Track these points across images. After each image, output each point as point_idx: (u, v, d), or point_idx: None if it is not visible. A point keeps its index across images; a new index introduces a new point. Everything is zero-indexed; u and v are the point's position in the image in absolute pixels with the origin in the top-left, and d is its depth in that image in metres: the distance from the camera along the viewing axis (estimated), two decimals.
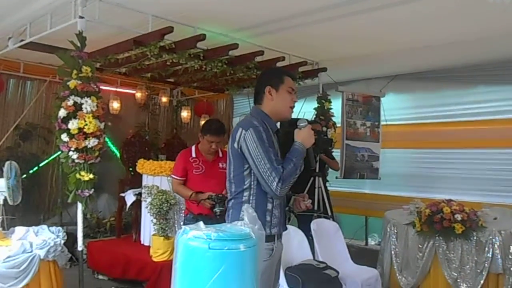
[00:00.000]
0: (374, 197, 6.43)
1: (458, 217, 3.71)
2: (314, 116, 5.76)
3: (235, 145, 2.16)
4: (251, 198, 2.16)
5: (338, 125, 5.80)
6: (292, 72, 2.41)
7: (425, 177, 6.01)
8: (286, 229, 2.31)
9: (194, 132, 7.94)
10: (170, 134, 7.64)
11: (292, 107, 2.30)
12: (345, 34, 4.43)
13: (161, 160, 5.52)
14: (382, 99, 6.20)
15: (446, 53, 4.98)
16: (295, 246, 3.57)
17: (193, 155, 3.58)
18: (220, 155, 3.66)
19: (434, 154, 6.03)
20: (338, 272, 3.25)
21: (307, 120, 2.27)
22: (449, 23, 4.08)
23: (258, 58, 4.71)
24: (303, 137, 2.20)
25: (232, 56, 4.58)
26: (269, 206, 2.17)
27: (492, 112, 5.45)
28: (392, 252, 4.24)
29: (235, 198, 2.21)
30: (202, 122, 7.24)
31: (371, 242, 6.72)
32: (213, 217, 3.34)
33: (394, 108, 6.30)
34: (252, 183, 2.16)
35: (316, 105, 5.84)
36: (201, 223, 1.65)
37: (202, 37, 4.00)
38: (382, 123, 6.20)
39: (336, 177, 5.65)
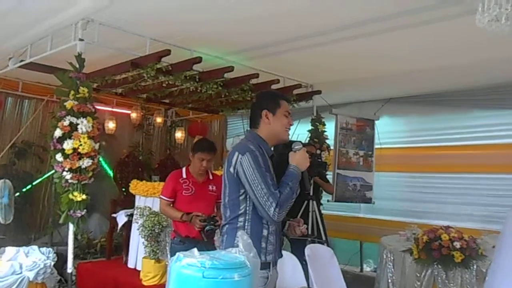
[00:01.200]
0: (369, 222, 6.34)
1: (457, 244, 3.61)
2: (308, 138, 5.80)
3: (231, 169, 2.13)
4: (246, 224, 2.12)
5: (331, 148, 5.80)
6: (287, 96, 2.42)
7: (421, 202, 5.93)
8: (281, 256, 2.28)
9: (187, 152, 7.89)
10: (163, 154, 7.63)
11: (287, 129, 2.30)
12: (339, 57, 4.51)
13: (154, 181, 5.49)
14: (376, 122, 6.24)
15: (440, 77, 5.04)
16: (288, 272, 3.50)
17: (184, 175, 3.54)
18: (211, 177, 3.63)
19: (430, 178, 5.97)
20: None
21: (301, 142, 2.27)
22: (443, 48, 4.15)
23: (253, 81, 4.76)
24: (298, 160, 2.17)
25: (227, 79, 4.62)
26: (265, 232, 2.13)
27: (487, 136, 5.44)
28: (389, 280, 4.12)
29: (229, 224, 2.16)
30: None
31: (367, 269, 6.58)
32: (200, 240, 3.31)
33: (388, 131, 6.29)
34: (247, 208, 2.12)
35: (310, 127, 5.88)
36: (195, 250, 1.64)
37: (198, 60, 4.05)
38: (376, 146, 6.22)
39: (328, 200, 5.64)
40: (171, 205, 3.49)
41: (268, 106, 2.25)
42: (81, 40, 3.58)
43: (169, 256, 4.03)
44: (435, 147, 5.90)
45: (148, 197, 4.68)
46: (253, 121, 2.31)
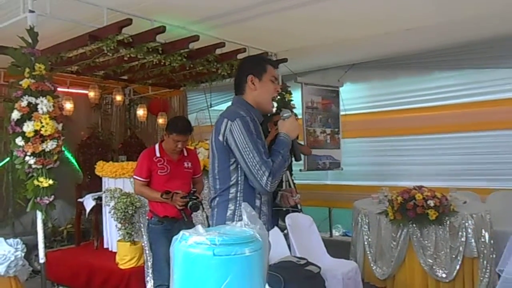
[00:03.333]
0: (337, 188, 6.46)
1: (431, 203, 3.70)
2: (275, 108, 5.72)
3: (220, 137, 1.99)
4: (238, 195, 2.01)
5: (299, 116, 5.75)
6: (274, 60, 2.27)
7: (387, 165, 6.05)
8: (273, 226, 2.21)
9: (149, 131, 7.70)
10: (124, 134, 7.35)
11: (274, 98, 2.19)
12: (302, 23, 4.39)
13: (122, 161, 5.26)
14: (340, 88, 6.28)
15: (401, 40, 5.04)
16: (272, 243, 3.48)
17: (157, 154, 3.38)
18: (185, 154, 3.50)
19: (395, 141, 6.08)
20: (320, 268, 3.20)
21: (291, 110, 2.18)
22: (403, 10, 4.12)
23: (218, 51, 4.58)
24: (288, 128, 2.06)
25: (192, 49, 4.42)
26: (257, 202, 2.03)
27: (448, 97, 5.54)
28: (365, 243, 4.21)
29: (220, 196, 2.04)
30: (160, 120, 7.08)
31: (336, 234, 6.75)
32: (179, 219, 3.25)
33: (352, 98, 6.33)
34: (239, 178, 2.00)
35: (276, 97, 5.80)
36: (199, 227, 1.51)
37: (162, 29, 3.83)
38: (341, 113, 6.28)
39: (300, 170, 5.64)
40: (147, 185, 3.33)
41: (254, 71, 2.12)
42: (31, 11, 3.25)
43: (145, 237, 3.90)
44: (398, 111, 5.99)
45: (118, 178, 4.46)
46: (238, 87, 2.16)
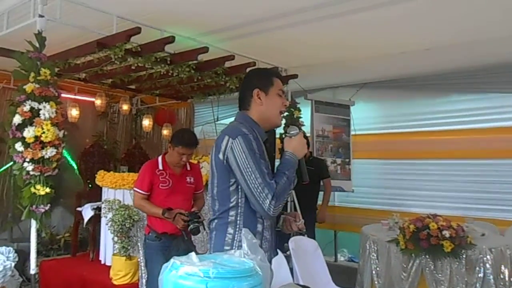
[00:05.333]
0: (344, 210, 6.22)
1: (446, 233, 3.45)
2: (284, 125, 5.62)
3: (220, 155, 1.86)
4: (238, 218, 1.87)
5: (308, 134, 5.60)
6: (280, 73, 2.16)
7: (398, 189, 5.77)
8: (277, 253, 2.06)
9: (154, 141, 7.62)
10: (129, 143, 7.27)
11: (282, 112, 2.05)
12: (314, 39, 4.31)
13: (123, 171, 5.17)
14: (351, 107, 6.13)
15: (417, 61, 4.91)
16: (273, 267, 3.31)
17: (160, 167, 3.26)
18: (188, 168, 3.39)
19: (407, 165, 5.81)
20: None
21: (299, 127, 2.06)
22: (421, 29, 4.00)
23: (227, 64, 4.51)
24: (295, 146, 1.92)
25: (201, 61, 4.35)
26: (259, 227, 1.89)
27: (467, 121, 5.28)
28: (373, 272, 3.97)
29: (219, 218, 1.90)
30: (164, 132, 7.00)
31: (341, 258, 6.48)
32: (178, 236, 3.13)
33: (364, 117, 6.13)
34: (239, 200, 1.86)
35: (284, 113, 5.70)
36: (192, 254, 1.37)
37: (171, 39, 3.76)
38: (351, 133, 6.12)
39: None
40: (147, 198, 3.22)
41: (260, 85, 1.99)
42: (41, 16, 3.21)
43: (141, 252, 3.77)
44: (412, 133, 5.75)
45: (117, 189, 4.36)
46: (243, 102, 2.03)
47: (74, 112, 5.89)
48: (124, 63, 4.23)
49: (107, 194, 4.49)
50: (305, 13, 3.65)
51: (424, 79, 5.49)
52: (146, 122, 6.89)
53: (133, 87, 5.81)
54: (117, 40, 3.64)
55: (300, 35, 4.17)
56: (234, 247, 1.81)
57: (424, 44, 4.38)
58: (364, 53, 4.76)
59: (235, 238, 1.85)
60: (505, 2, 3.39)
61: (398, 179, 5.83)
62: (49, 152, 3.03)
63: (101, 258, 4.56)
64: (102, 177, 4.57)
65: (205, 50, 4.09)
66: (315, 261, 3.73)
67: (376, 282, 3.94)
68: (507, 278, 3.55)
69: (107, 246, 4.51)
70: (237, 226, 1.86)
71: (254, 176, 1.79)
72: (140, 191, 3.22)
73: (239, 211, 1.87)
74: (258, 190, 1.78)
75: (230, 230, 1.86)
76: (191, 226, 2.98)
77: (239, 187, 1.86)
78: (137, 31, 3.52)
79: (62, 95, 3.33)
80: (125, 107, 6.52)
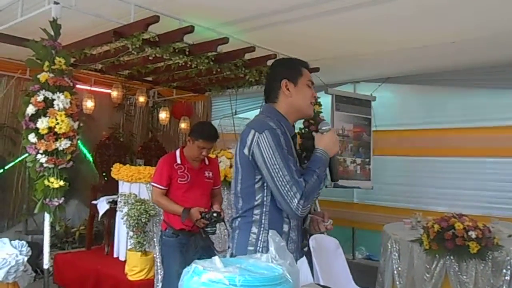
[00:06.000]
0: (363, 208, 6.14)
1: (472, 234, 3.35)
2: (303, 120, 5.46)
3: (245, 151, 1.77)
4: (263, 217, 1.77)
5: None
6: (307, 63, 2.04)
7: (419, 187, 5.65)
8: (303, 255, 1.94)
9: (171, 135, 7.53)
10: (145, 136, 7.19)
11: (312, 104, 1.94)
12: (335, 32, 4.15)
13: (139, 165, 5.07)
14: (372, 103, 5.99)
15: (441, 55, 4.69)
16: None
17: (178, 161, 3.16)
18: (207, 162, 3.27)
19: (429, 162, 5.68)
20: None
21: (329, 123, 1.92)
22: (445, 23, 3.82)
23: (247, 56, 4.36)
24: (326, 143, 1.83)
25: (221, 52, 4.20)
26: (286, 227, 1.80)
27: (493, 118, 5.12)
28: (395, 272, 3.88)
29: (242, 217, 1.82)
30: (182, 125, 6.90)
31: (359, 256, 6.36)
32: (196, 232, 3.01)
33: (386, 113, 6.00)
34: (265, 198, 1.77)
35: None
36: (216, 259, 1.24)
37: (190, 29, 3.63)
38: (372, 129, 5.98)
39: (326, 186, 5.35)
40: (166, 193, 3.10)
41: (288, 75, 1.89)
42: (56, 3, 3.11)
43: (157, 248, 3.67)
44: (436, 130, 5.63)
45: (133, 182, 4.25)
46: (269, 94, 1.93)
47: (89, 104, 5.81)
48: (141, 54, 4.13)
49: (123, 187, 4.39)
50: (326, 4, 3.50)
51: (447, 74, 5.29)
52: (163, 115, 6.78)
53: (150, 79, 5.70)
54: (134, 29, 3.52)
55: (320, 27, 4.02)
56: (258, 248, 1.75)
57: (449, 37, 4.18)
58: (386, 47, 4.58)
59: (260, 238, 1.77)
60: None
61: (419, 176, 5.71)
62: (63, 144, 2.94)
63: (116, 252, 4.47)
64: (118, 170, 4.47)
65: (225, 41, 3.95)
66: (336, 260, 3.59)
67: (397, 282, 3.85)
68: None
69: (122, 241, 4.42)
70: (262, 225, 1.77)
71: (282, 173, 1.69)
72: (159, 186, 3.10)
73: (264, 209, 1.78)
74: (286, 188, 1.69)
75: (254, 229, 1.78)
76: (208, 229, 2.92)
77: (265, 184, 1.76)
78: (155, 19, 3.40)
79: (78, 86, 3.24)
80: (141, 99, 6.41)
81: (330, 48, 4.72)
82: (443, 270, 3.51)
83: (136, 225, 3.75)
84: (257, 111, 6.70)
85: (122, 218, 3.87)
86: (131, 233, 3.85)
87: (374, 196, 5.97)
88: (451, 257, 3.47)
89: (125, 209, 3.85)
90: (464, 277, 3.42)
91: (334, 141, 1.85)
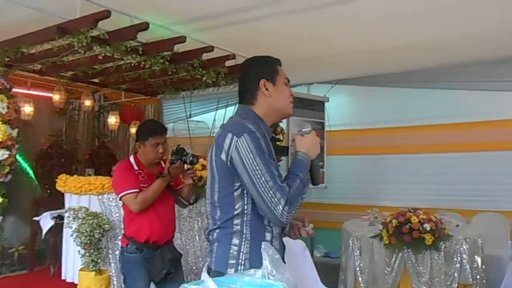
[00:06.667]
0: (319, 206, 6.15)
1: (427, 226, 3.53)
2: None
3: (223, 156, 1.65)
4: (244, 227, 1.66)
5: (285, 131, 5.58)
6: (280, 60, 1.90)
7: (372, 184, 5.86)
8: (285, 263, 1.78)
9: (119, 141, 7.09)
10: (91, 143, 6.72)
11: (292, 102, 1.85)
12: (292, 32, 4.06)
13: (89, 175, 4.64)
14: (326, 104, 6.09)
15: (391, 58, 4.85)
16: None
17: (135, 167, 2.88)
18: (163, 165, 3.01)
19: (380, 160, 5.92)
20: None
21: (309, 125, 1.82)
22: (393, 27, 3.92)
23: (204, 56, 4.13)
24: (308, 146, 1.76)
25: (177, 52, 3.94)
26: (268, 236, 1.69)
27: (435, 117, 5.45)
28: (357, 268, 3.97)
29: (221, 228, 1.70)
30: (133, 130, 6.48)
31: (317, 254, 6.40)
32: (161, 245, 2.77)
33: (339, 113, 6.15)
34: (245, 207, 1.66)
35: None
36: (208, 280, 1.05)
37: (144, 26, 3.34)
38: (326, 129, 6.10)
39: None
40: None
41: (266, 75, 1.79)
42: None
43: (113, 265, 3.34)
44: (385, 129, 5.84)
45: (82, 194, 3.86)
46: (245, 96, 1.81)
47: (27, 109, 5.27)
48: (88, 53, 3.74)
49: (71, 201, 3.98)
50: (283, 3, 3.43)
51: (396, 76, 5.56)
52: (113, 120, 6.32)
53: (96, 80, 5.28)
54: (82, 25, 3.17)
55: (278, 27, 3.91)
56: (240, 260, 1.65)
57: (400, 41, 4.29)
58: (340, 49, 4.61)
59: (242, 250, 1.66)
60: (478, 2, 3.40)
61: (372, 173, 5.93)
62: (1, 154, 2.55)
63: (64, 274, 4.04)
64: (64, 182, 4.04)
65: (182, 39, 3.69)
66: (303, 262, 3.66)
67: (360, 279, 3.95)
68: (480, 266, 3.76)
69: (70, 260, 4.01)
70: (244, 236, 1.67)
71: (264, 178, 1.59)
72: (133, 191, 2.74)
73: (245, 219, 1.67)
74: (270, 195, 1.59)
75: (235, 241, 1.67)
76: (189, 159, 2.80)
77: (245, 192, 1.66)
78: (106, 15, 3.08)
79: (14, 89, 2.85)
80: (88, 103, 5.91)
81: (285, 49, 4.58)
82: (402, 263, 3.66)
83: (89, 242, 3.38)
84: (212, 114, 6.43)
85: (72, 235, 3.48)
86: (82, 251, 3.46)
87: (330, 195, 6.07)
88: (409, 250, 3.63)
89: (75, 225, 3.46)
90: (421, 267, 3.62)
91: (315, 143, 1.78)
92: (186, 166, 2.90)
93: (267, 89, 1.77)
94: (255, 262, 1.58)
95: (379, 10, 3.54)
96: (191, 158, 2.81)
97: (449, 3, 3.42)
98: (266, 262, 1.21)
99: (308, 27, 3.92)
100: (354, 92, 6.12)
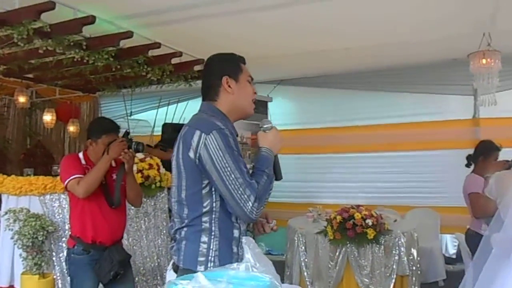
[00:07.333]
0: None
1: (369, 222, 3.70)
2: None
3: (191, 154, 1.64)
4: (213, 225, 1.67)
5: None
6: (244, 58, 1.94)
7: (313, 182, 6.06)
8: None
9: (53, 139, 6.74)
10: (22, 142, 6.33)
11: (253, 101, 1.87)
12: (236, 32, 4.16)
13: (28, 175, 4.39)
14: (269, 103, 6.20)
15: (332, 59, 5.07)
16: None
17: (83, 162, 2.77)
18: (113, 164, 2.93)
19: (320, 159, 6.13)
20: None
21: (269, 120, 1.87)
22: (335, 30, 4.11)
23: (150, 53, 4.09)
24: (271, 141, 1.78)
25: (123, 48, 3.86)
26: (236, 233, 1.71)
27: (370, 117, 5.73)
28: (302, 264, 4.08)
29: (189, 226, 1.69)
30: (71, 128, 6.20)
31: None
32: (109, 246, 2.71)
33: (281, 113, 6.27)
34: (214, 204, 1.67)
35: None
36: (199, 275, 1.09)
37: (90, 20, 3.24)
38: None
39: None
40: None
41: (229, 72, 1.81)
42: None
43: (57, 268, 3.23)
44: (325, 128, 6.05)
45: (22, 195, 3.65)
46: (208, 92, 1.82)
47: None
48: (27, 46, 3.55)
49: (8, 202, 3.74)
50: (229, 3, 3.53)
51: (338, 77, 5.81)
52: (48, 117, 5.97)
53: (31, 76, 5.00)
54: (23, 17, 3.01)
55: (223, 27, 4.02)
56: (210, 257, 1.65)
57: (344, 44, 4.53)
58: (282, 51, 4.77)
59: (211, 247, 1.66)
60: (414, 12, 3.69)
61: (313, 172, 6.15)
62: None
63: (3, 280, 3.79)
64: (2, 182, 3.80)
65: (129, 35, 3.64)
66: None
67: (305, 273, 4.04)
68: (415, 258, 3.98)
69: (6, 265, 3.70)
70: (212, 233, 1.67)
71: (234, 176, 1.61)
72: (78, 176, 2.64)
73: (213, 216, 1.67)
74: (239, 192, 1.60)
75: (204, 238, 1.67)
76: (134, 146, 2.79)
77: (213, 189, 1.66)
78: (50, 6, 2.96)
79: None
80: (22, 99, 5.51)
81: (230, 49, 4.65)
82: (345, 257, 3.81)
83: (32, 244, 3.23)
84: (154, 112, 6.29)
85: (12, 238, 3.30)
86: (24, 254, 3.30)
87: (274, 193, 6.09)
88: (352, 245, 3.79)
89: (16, 227, 3.29)
90: (363, 261, 3.79)
91: (278, 139, 1.81)
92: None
93: (229, 86, 1.78)
94: (224, 258, 1.64)
95: (320, 14, 3.70)
96: (135, 146, 2.81)
97: (386, 11, 3.66)
98: (248, 255, 1.22)
99: (252, 28, 4.02)
100: (296, 92, 6.28)
